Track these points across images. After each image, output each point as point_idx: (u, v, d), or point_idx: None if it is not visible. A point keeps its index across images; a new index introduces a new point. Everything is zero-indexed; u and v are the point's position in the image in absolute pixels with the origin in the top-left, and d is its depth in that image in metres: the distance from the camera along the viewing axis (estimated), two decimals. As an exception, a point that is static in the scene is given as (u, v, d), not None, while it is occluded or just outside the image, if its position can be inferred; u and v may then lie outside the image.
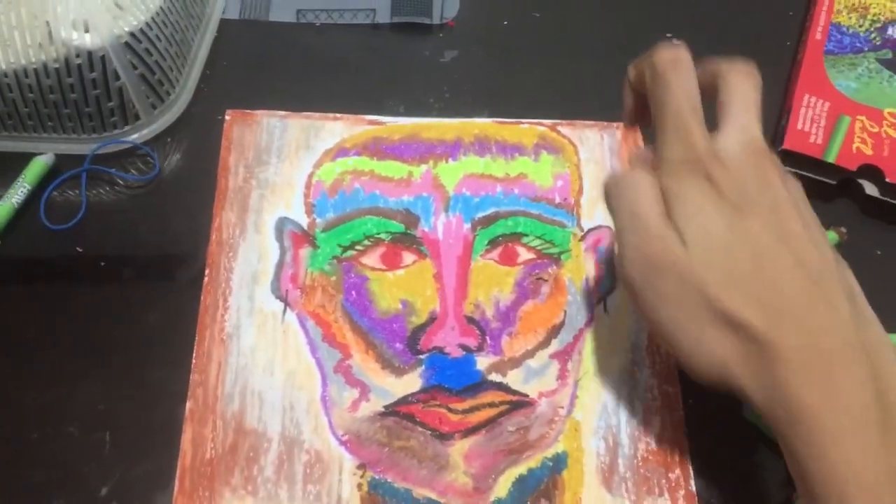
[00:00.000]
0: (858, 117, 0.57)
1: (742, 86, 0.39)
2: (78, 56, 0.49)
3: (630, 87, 0.44)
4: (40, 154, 0.52)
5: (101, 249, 0.50)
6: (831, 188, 0.56)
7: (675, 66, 0.39)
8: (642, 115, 0.43)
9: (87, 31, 0.49)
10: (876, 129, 0.56)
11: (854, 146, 0.55)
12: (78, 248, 0.50)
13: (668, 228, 0.37)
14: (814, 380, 0.34)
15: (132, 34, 0.50)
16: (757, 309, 0.35)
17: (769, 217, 0.36)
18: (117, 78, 0.51)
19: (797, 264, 0.36)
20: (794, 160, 0.56)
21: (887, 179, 0.54)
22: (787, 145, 0.55)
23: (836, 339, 0.35)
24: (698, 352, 0.36)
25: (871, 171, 0.55)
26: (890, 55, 0.61)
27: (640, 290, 0.38)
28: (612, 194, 0.40)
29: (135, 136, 0.54)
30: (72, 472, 0.43)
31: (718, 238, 0.36)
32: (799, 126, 0.56)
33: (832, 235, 0.53)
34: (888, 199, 0.56)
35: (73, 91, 0.50)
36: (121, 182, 0.53)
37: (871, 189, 0.56)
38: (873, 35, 0.62)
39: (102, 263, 0.49)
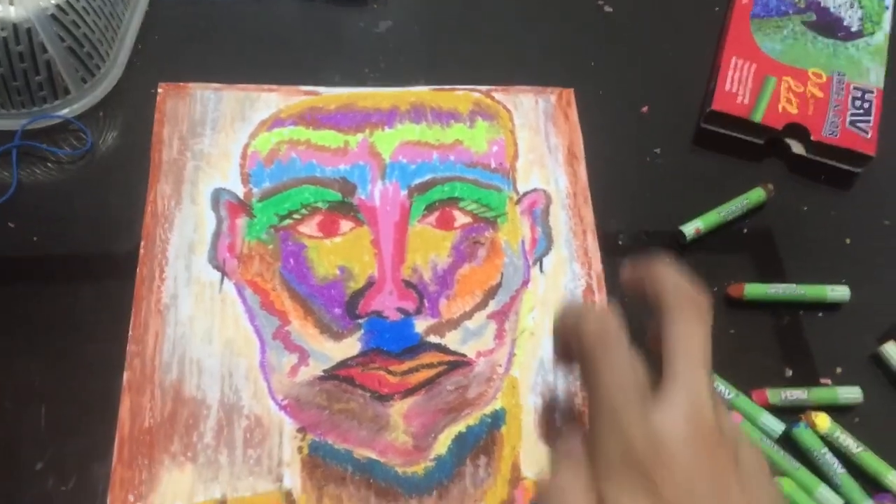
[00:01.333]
0: (784, 78, 0.58)
1: (688, 333, 0.34)
2: (3, 29, 0.48)
3: (558, 331, 0.39)
4: (-32, 131, 0.51)
5: (33, 225, 0.49)
6: (759, 147, 0.58)
7: (603, 345, 0.34)
8: (571, 358, 0.38)
9: (11, 3, 0.48)
10: (801, 89, 0.58)
11: (780, 106, 0.57)
12: (10, 224, 0.49)
13: None
14: None
15: (58, 6, 0.50)
16: None
17: None
18: (45, 51, 0.50)
19: None
20: (722, 120, 0.57)
21: (813, 138, 0.56)
22: (715, 106, 0.57)
23: None
24: None
25: (798, 130, 0.57)
26: (814, 17, 0.62)
27: None
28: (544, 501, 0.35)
29: (65, 110, 0.53)
30: (6, 446, 0.43)
31: None
32: (727, 87, 0.58)
33: (759, 193, 0.55)
34: (814, 157, 0.57)
35: (0, 65, 0.49)
36: (53, 157, 0.52)
37: (797, 148, 0.57)
38: (798, -2, 0.64)
39: (35, 238, 0.49)
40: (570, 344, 0.36)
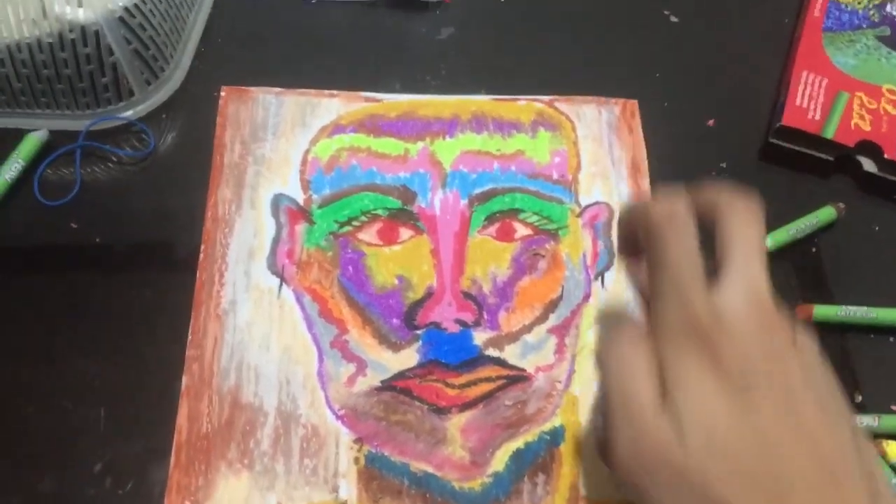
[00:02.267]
0: (857, 94, 0.57)
1: (744, 228, 0.35)
2: (71, 31, 0.49)
3: (622, 226, 0.41)
4: (34, 130, 0.51)
5: (95, 226, 0.50)
6: (829, 164, 0.56)
7: (671, 223, 0.35)
8: (636, 251, 0.39)
9: (80, 5, 0.49)
10: (874, 106, 0.56)
11: (852, 122, 0.55)
12: (73, 225, 0.49)
13: (663, 419, 0.33)
14: None
15: (126, 9, 0.50)
16: None
17: (778, 400, 0.32)
18: (111, 53, 0.50)
19: (811, 459, 0.32)
20: (791, 136, 0.56)
21: (886, 156, 0.54)
22: (785, 121, 0.55)
23: None
24: None
25: (870, 148, 0.55)
26: (888, 32, 0.61)
27: (635, 487, 0.34)
28: (604, 369, 0.36)
29: (129, 112, 0.53)
30: (66, 447, 0.43)
31: (721, 432, 0.32)
32: (797, 102, 0.56)
33: (830, 211, 0.53)
34: (886, 176, 0.55)
35: (67, 66, 0.50)
36: (115, 158, 0.52)
37: (869, 165, 0.56)
38: (871, 12, 0.62)
39: (97, 240, 0.49)
40: (634, 236, 0.38)
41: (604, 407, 0.35)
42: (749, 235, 0.35)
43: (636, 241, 0.38)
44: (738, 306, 0.33)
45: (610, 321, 0.38)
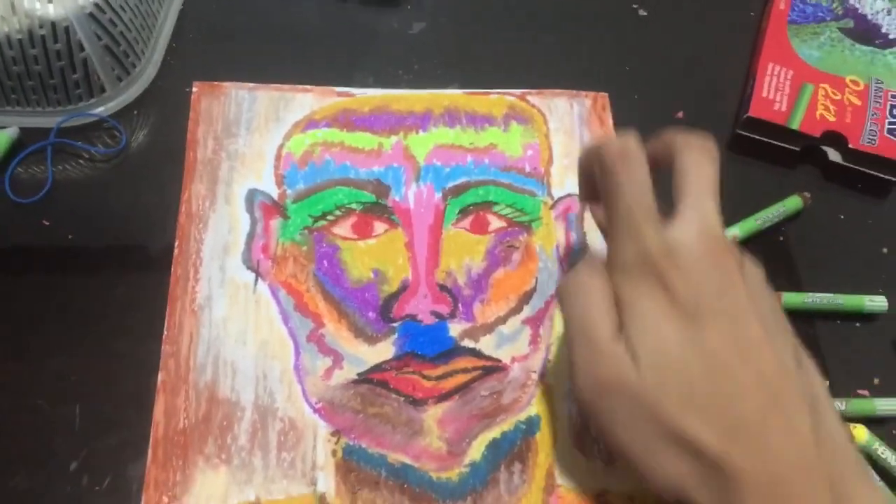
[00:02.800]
0: (821, 85, 0.58)
1: (698, 165, 0.37)
2: (41, 27, 0.48)
3: (582, 169, 0.43)
4: (4, 128, 0.51)
5: (68, 223, 0.49)
6: (796, 155, 0.57)
7: (623, 160, 0.37)
8: (596, 195, 0.41)
9: (50, 1, 0.48)
10: (839, 97, 0.57)
11: (818, 113, 0.56)
12: (45, 222, 0.49)
13: (619, 345, 0.35)
14: None
15: (96, 4, 0.50)
16: (713, 431, 0.34)
17: (727, 326, 0.34)
18: (81, 49, 0.50)
19: (756, 380, 0.34)
20: (758, 127, 0.57)
21: (850, 145, 0.55)
22: (752, 112, 0.56)
23: (795, 462, 0.33)
24: (654, 474, 0.35)
25: (835, 138, 0.56)
26: (852, 24, 0.62)
27: (593, 411, 0.36)
28: (564, 300, 0.38)
29: (101, 108, 0.53)
30: (42, 445, 0.43)
31: (672, 355, 0.34)
32: (764, 94, 0.57)
33: (796, 201, 0.54)
34: (851, 165, 0.57)
35: (37, 62, 0.49)
36: (87, 155, 0.52)
37: (834, 155, 0.57)
38: (835, 5, 0.63)
39: (70, 236, 0.49)
40: (594, 179, 0.40)
41: (565, 338, 0.38)
42: (702, 173, 0.37)
43: (595, 184, 0.40)
44: (689, 239, 0.35)
45: (571, 258, 0.40)
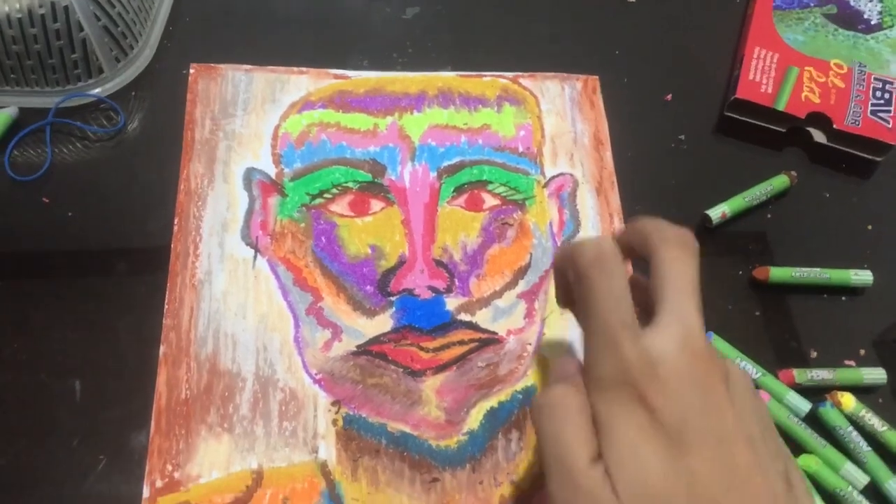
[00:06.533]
0: (806, 68, 0.59)
1: (676, 265, 0.35)
2: (41, 6, 0.49)
3: (557, 274, 0.40)
4: (4, 108, 0.51)
5: (68, 200, 0.50)
6: (781, 136, 0.58)
7: (598, 265, 0.35)
8: (573, 300, 0.38)
9: (49, -19, 0.49)
10: (823, 80, 0.59)
11: (803, 95, 0.58)
12: (44, 199, 0.50)
13: (597, 473, 0.32)
14: None
15: (95, -15, 0.50)
16: None
17: (713, 452, 0.32)
18: (80, 29, 0.50)
19: None
20: (745, 109, 0.58)
21: (835, 126, 0.57)
22: (739, 94, 0.57)
23: None
24: None
25: (820, 119, 0.57)
26: (835, 10, 0.63)
27: None
28: (538, 420, 0.35)
29: (98, 89, 0.54)
30: (44, 417, 0.43)
31: (655, 487, 0.31)
32: (750, 77, 0.58)
33: (783, 179, 0.55)
34: (835, 146, 0.58)
35: (37, 42, 0.50)
36: (86, 135, 0.53)
37: (819, 137, 0.58)
38: (819, -9, 0.65)
39: (70, 213, 0.49)
40: (569, 281, 0.37)
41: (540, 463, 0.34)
42: (681, 272, 0.34)
43: (569, 291, 0.37)
44: (670, 351, 0.32)
45: (544, 374, 0.38)
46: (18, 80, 0.52)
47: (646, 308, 0.35)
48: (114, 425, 0.43)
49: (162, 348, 0.45)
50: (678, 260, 0.35)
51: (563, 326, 0.49)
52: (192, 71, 0.55)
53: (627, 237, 0.37)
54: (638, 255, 0.37)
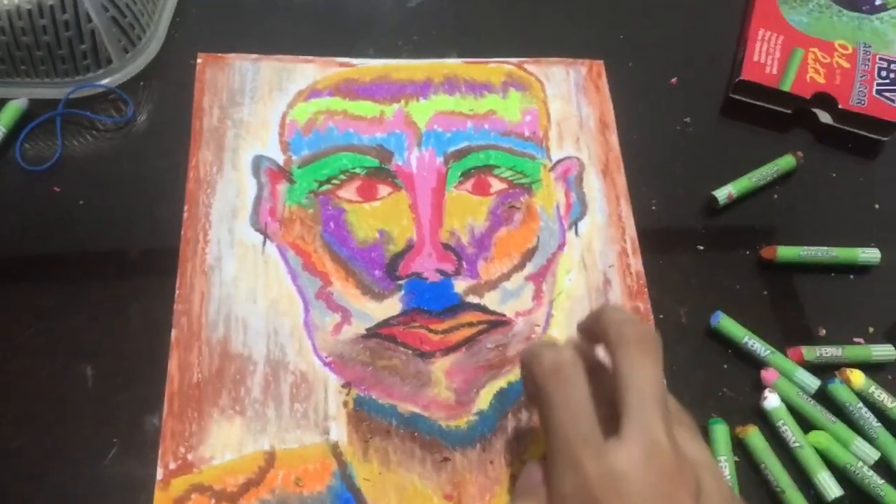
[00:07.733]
0: (811, 49, 0.59)
1: (638, 372, 0.33)
2: (50, -2, 0.49)
3: (524, 380, 0.40)
4: (14, 99, 0.52)
5: (79, 189, 0.50)
6: (787, 117, 0.58)
7: (555, 378, 0.34)
8: None
9: (57, -28, 0.49)
10: (828, 60, 0.59)
11: (808, 76, 0.58)
12: (55, 188, 0.50)
13: None
14: None
15: (103, -24, 0.51)
16: None
17: None
18: (89, 20, 0.51)
19: None
20: (750, 90, 0.58)
21: (840, 106, 0.57)
22: (744, 76, 0.57)
23: None
24: None
25: (825, 99, 0.57)
26: (839, -9, 0.63)
27: None
28: None
29: (107, 80, 0.54)
30: (58, 401, 0.44)
31: None
32: (755, 58, 0.58)
33: (790, 160, 0.56)
34: (841, 126, 0.58)
35: (46, 33, 0.50)
36: (95, 125, 0.53)
37: (825, 117, 0.58)
38: (823, -27, 0.65)
39: (81, 202, 0.50)
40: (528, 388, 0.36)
41: None
42: (643, 380, 0.33)
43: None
44: (633, 468, 0.31)
45: (517, 484, 0.37)
46: (28, 72, 0.52)
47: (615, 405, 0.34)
48: (127, 409, 0.44)
49: (174, 333, 0.46)
50: (640, 367, 0.33)
51: (571, 307, 0.49)
52: (199, 60, 0.56)
53: (591, 326, 0.36)
54: (600, 342, 0.36)
